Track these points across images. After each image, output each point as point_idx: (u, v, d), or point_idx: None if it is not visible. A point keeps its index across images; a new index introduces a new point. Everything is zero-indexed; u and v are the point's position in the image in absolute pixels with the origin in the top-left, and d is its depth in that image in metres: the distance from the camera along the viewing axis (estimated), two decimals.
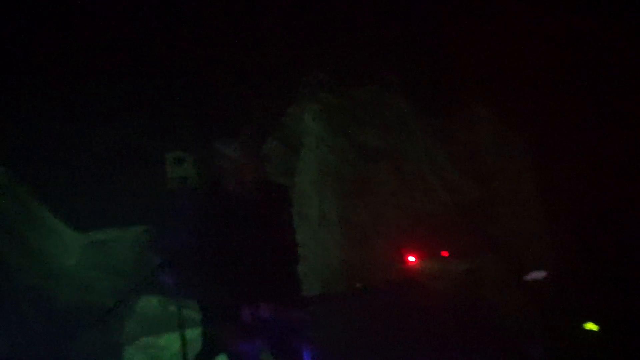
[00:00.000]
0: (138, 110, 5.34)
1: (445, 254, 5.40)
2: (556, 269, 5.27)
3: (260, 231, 3.40)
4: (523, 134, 5.49)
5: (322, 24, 5.48)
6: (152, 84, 5.25)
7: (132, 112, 5.33)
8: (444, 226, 5.42)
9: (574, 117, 5.31)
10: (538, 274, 5.26)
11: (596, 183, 5.27)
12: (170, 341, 5.00)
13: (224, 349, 3.33)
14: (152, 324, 5.07)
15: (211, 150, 3.44)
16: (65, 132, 5.13)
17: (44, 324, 4.90)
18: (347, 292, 3.78)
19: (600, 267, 5.12)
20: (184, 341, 3.03)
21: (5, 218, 5.09)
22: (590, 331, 4.95)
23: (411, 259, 5.41)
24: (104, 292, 5.14)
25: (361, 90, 5.59)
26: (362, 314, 4.88)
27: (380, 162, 5.59)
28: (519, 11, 5.33)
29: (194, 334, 3.40)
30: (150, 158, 5.25)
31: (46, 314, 4.93)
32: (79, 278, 5.21)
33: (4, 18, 5.05)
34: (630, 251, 5.09)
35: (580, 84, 5.30)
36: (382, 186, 5.58)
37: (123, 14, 5.19)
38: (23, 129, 5.08)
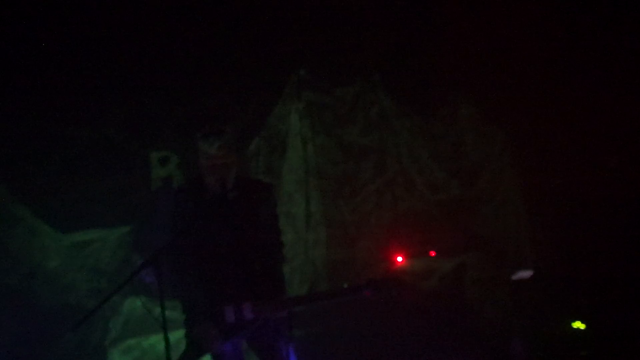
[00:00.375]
0: (120, 108, 5.32)
1: (432, 253, 5.41)
2: (539, 267, 5.27)
3: (245, 231, 3.39)
4: (505, 131, 5.51)
5: (308, 24, 5.46)
6: (135, 82, 5.21)
7: (115, 110, 5.31)
8: (429, 225, 5.44)
9: (555, 115, 5.32)
10: (524, 273, 5.26)
11: (577, 180, 5.28)
12: (154, 343, 4.96)
13: (208, 350, 3.30)
14: (136, 326, 5.04)
15: (193, 148, 3.39)
16: (46, 130, 5.10)
17: (25, 325, 4.86)
18: (332, 291, 3.80)
19: (582, 264, 5.12)
20: (167, 343, 2.96)
21: None
22: (578, 329, 4.94)
23: (399, 259, 5.40)
24: (87, 294, 5.12)
25: (346, 89, 5.58)
26: (347, 313, 4.86)
27: (364, 161, 5.59)
28: (502, 11, 5.33)
29: (178, 335, 3.39)
30: (133, 158, 5.33)
31: (27, 315, 4.90)
32: (61, 280, 5.19)
33: None
34: (611, 248, 5.09)
35: (562, 82, 5.31)
36: (366, 185, 5.57)
37: (108, 10, 5.13)
38: (1, 127, 5.04)
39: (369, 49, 5.52)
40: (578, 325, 4.98)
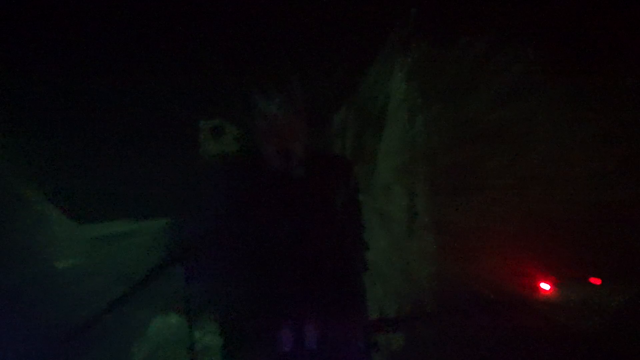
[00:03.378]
0: (163, 63, 5.33)
1: (596, 280, 5.30)
2: None
3: (313, 223, 3.42)
4: None
5: None
6: (181, 18, 5.21)
7: (155, 65, 5.32)
8: (587, 237, 5.24)
9: None
10: None
11: None
12: None
13: None
14: (168, 354, 5.11)
15: (253, 112, 3.44)
16: (58, 80, 5.12)
17: (25, 341, 4.95)
18: (435, 314, 3.72)
19: None
20: None
21: None
22: None
23: (544, 286, 5.36)
24: (107, 308, 5.03)
25: (473, 42, 5.42)
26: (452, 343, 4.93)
27: (494, 145, 5.44)
28: None
29: None
30: (177, 127, 5.36)
31: (28, 328, 4.98)
32: (73, 287, 5.23)
33: None
34: None
35: None
36: (495, 178, 5.47)
37: None
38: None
39: None
40: None
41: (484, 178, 5.51)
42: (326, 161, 3.55)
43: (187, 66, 5.40)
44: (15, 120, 5.22)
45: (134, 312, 5.41)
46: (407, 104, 5.56)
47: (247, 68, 5.26)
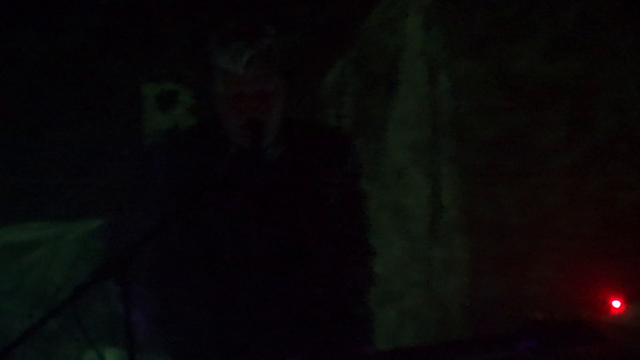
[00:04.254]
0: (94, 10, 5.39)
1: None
2: None
3: (296, 221, 3.31)
4: None
5: None
6: None
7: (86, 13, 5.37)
8: None
9: None
10: None
11: None
12: None
13: None
14: None
15: (213, 72, 3.29)
16: None
17: None
18: (467, 344, 3.69)
19: None
20: None
21: None
22: None
23: (615, 303, 5.04)
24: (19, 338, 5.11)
25: None
26: None
27: (548, 111, 5.45)
28: None
29: None
30: (111, 95, 5.36)
31: None
32: None
33: None
34: None
35: None
36: (551, 158, 5.46)
37: None
38: None
39: None
40: None
41: (533, 158, 5.49)
42: (315, 138, 3.42)
43: (120, 6, 5.44)
44: None
45: (56, 346, 5.32)
46: (427, 57, 5.53)
47: (204, 9, 5.28)
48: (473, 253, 5.51)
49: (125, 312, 2.97)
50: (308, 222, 3.33)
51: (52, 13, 5.47)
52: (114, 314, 3.74)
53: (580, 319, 5.03)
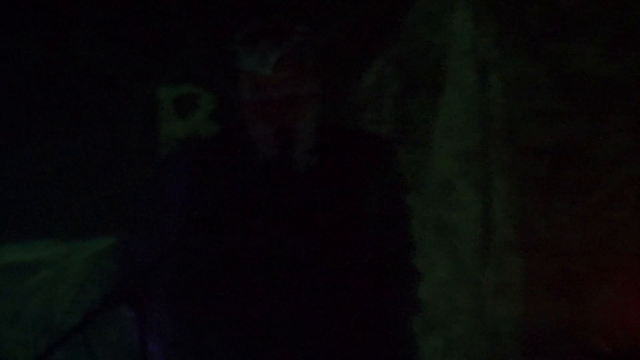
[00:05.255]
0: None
1: None
2: None
3: (330, 237, 3.29)
4: None
5: None
6: None
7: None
8: None
9: None
10: None
11: None
12: None
13: None
14: None
15: (237, 74, 3.28)
16: None
17: None
18: None
19: None
20: None
21: None
22: None
23: None
24: None
25: None
26: None
27: (613, 114, 5.42)
28: None
29: None
30: (123, 98, 5.41)
31: None
32: None
33: None
34: None
35: None
36: (617, 169, 5.46)
37: None
38: None
39: None
40: None
41: (595, 168, 5.48)
42: (352, 146, 3.40)
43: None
44: None
45: None
46: (476, 56, 5.49)
47: (227, 4, 5.32)
48: (528, 275, 5.44)
49: (140, 340, 2.97)
50: (344, 241, 3.31)
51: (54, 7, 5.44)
52: (128, 342, 3.77)
53: None
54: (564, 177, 5.51)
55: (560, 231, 5.45)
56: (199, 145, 3.69)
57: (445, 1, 5.55)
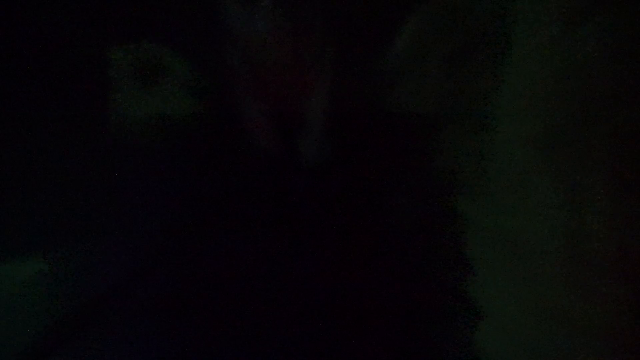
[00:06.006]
0: None
1: None
2: None
3: (354, 265, 3.29)
4: None
5: None
6: None
7: None
8: None
9: None
10: None
11: None
12: None
13: None
14: None
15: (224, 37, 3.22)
16: None
17: None
18: None
19: None
20: None
21: None
22: None
23: None
24: None
25: None
26: None
27: None
28: None
29: None
30: (80, 68, 5.14)
31: None
32: None
33: None
34: None
35: None
36: None
37: None
38: None
39: None
40: None
41: None
42: (377, 135, 3.38)
43: None
44: None
45: None
46: (558, 3, 4.87)
47: None
48: (630, 310, 4.73)
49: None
50: (366, 258, 3.31)
51: None
52: None
53: None
54: None
55: None
56: (170, 133, 3.77)
57: None
